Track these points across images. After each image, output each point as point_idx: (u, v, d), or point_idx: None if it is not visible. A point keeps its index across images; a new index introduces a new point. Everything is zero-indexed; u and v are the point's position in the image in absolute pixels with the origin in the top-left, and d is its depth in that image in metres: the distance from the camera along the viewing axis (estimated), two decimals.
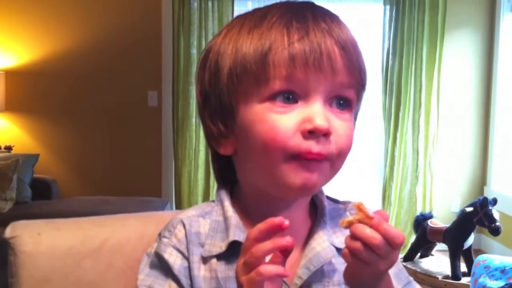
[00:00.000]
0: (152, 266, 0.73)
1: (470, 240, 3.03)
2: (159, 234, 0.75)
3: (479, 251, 3.87)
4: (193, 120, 3.94)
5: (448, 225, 3.12)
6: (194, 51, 3.91)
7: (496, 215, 2.93)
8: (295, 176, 0.66)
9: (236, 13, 3.89)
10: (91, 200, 3.57)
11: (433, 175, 3.97)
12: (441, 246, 3.30)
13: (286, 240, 0.58)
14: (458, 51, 4.10)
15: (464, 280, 2.98)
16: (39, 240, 0.81)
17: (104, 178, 4.10)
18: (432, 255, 3.41)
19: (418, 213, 3.62)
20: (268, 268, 0.58)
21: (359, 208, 0.62)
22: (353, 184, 3.95)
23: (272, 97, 0.66)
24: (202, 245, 0.72)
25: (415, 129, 3.95)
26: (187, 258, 0.71)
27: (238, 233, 0.71)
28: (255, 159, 0.69)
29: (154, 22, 4.03)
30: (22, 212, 3.21)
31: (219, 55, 0.70)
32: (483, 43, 4.10)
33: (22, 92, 4.05)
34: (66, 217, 0.90)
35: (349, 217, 0.63)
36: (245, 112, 0.68)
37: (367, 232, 0.60)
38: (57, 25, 4.03)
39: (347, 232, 0.63)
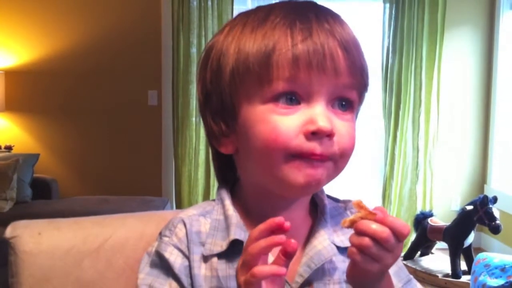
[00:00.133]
0: (153, 265, 0.73)
1: (470, 239, 3.03)
2: (160, 233, 0.75)
3: (479, 250, 3.87)
4: (193, 119, 3.94)
5: (448, 223, 3.12)
6: (193, 50, 3.90)
7: (496, 213, 2.93)
8: (298, 173, 0.66)
9: (235, 12, 3.88)
10: (91, 199, 3.57)
11: (433, 173, 3.96)
12: (441, 244, 3.30)
13: (280, 237, 0.58)
14: (458, 49, 4.09)
15: (464, 278, 2.98)
16: (40, 239, 0.81)
17: (104, 177, 4.10)
18: (432, 253, 3.41)
19: (418, 211, 3.62)
20: (262, 268, 0.58)
21: (360, 205, 0.62)
22: (353, 183, 3.95)
23: (275, 98, 0.66)
24: (202, 244, 0.72)
25: (415, 127, 3.94)
26: (187, 257, 0.71)
27: (239, 231, 0.71)
28: (256, 159, 0.69)
29: (154, 21, 4.03)
30: (22, 211, 3.22)
31: (221, 53, 0.70)
32: (483, 41, 4.10)
33: (22, 92, 4.05)
34: (66, 216, 0.90)
35: (350, 216, 0.63)
36: (247, 112, 0.68)
37: (374, 227, 0.60)
38: (56, 25, 4.03)
39: (347, 230, 0.63)
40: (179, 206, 3.93)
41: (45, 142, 4.08)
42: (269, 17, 0.68)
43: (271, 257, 0.62)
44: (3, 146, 3.91)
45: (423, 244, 3.29)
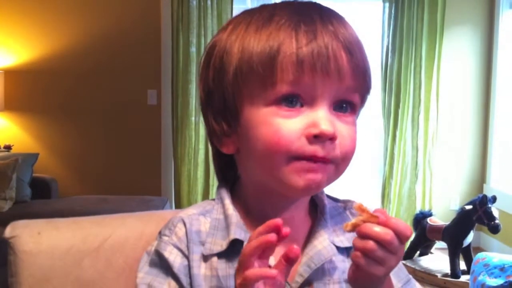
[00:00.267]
0: (152, 264, 0.73)
1: (470, 238, 3.03)
2: (160, 232, 0.75)
3: (479, 249, 3.87)
4: (193, 118, 3.94)
5: (447, 223, 3.12)
6: (193, 49, 3.90)
7: (495, 213, 2.93)
8: (299, 177, 0.66)
9: (235, 11, 3.88)
10: (90, 199, 3.57)
11: (432, 173, 3.97)
12: (440, 244, 3.30)
13: (271, 235, 0.57)
14: (458, 48, 4.09)
15: (463, 278, 2.98)
16: (39, 239, 0.81)
17: (104, 177, 4.10)
18: (431, 253, 3.41)
19: (417, 211, 3.62)
20: (252, 271, 0.58)
21: (361, 208, 0.62)
22: (353, 182, 3.95)
23: (278, 101, 0.66)
24: (202, 244, 0.72)
25: (415, 126, 3.95)
26: (187, 256, 0.71)
27: (239, 231, 0.71)
28: (257, 160, 0.69)
29: (153, 21, 4.02)
30: (21, 211, 3.21)
31: (224, 51, 0.69)
32: (483, 40, 4.10)
33: (22, 91, 4.05)
34: (66, 216, 0.90)
35: (351, 219, 0.63)
36: (250, 114, 0.68)
37: (378, 229, 0.60)
38: (56, 25, 4.03)
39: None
40: (179, 205, 3.93)
41: (45, 142, 4.08)
42: (274, 18, 0.67)
43: (273, 261, 0.62)
44: (2, 146, 3.90)
45: (422, 244, 3.29)
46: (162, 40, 4.03)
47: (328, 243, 0.72)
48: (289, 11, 0.68)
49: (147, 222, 0.88)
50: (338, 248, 0.73)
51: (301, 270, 0.71)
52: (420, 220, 3.26)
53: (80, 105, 4.08)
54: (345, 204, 0.79)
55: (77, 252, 0.82)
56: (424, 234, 3.20)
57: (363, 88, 0.70)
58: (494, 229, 2.91)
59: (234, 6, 3.90)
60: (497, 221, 2.91)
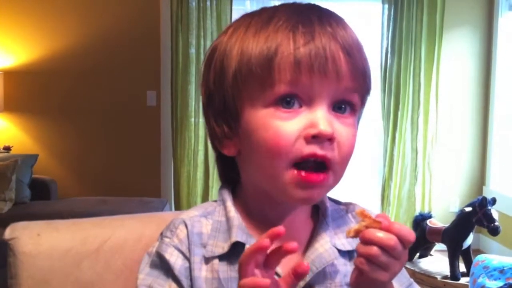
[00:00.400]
0: (153, 265, 0.72)
1: (469, 240, 3.03)
2: (161, 234, 0.75)
3: (478, 251, 3.87)
4: (192, 120, 3.94)
5: (447, 225, 3.12)
6: (192, 50, 3.90)
7: (495, 215, 2.93)
8: (297, 191, 0.67)
9: (234, 12, 3.89)
10: (90, 200, 3.57)
11: (432, 174, 3.97)
12: (440, 246, 3.30)
13: (265, 241, 0.57)
14: (457, 50, 4.10)
15: (463, 280, 2.98)
16: (39, 241, 0.81)
17: (103, 178, 4.10)
18: (431, 255, 3.41)
19: (417, 213, 3.62)
20: (246, 280, 0.58)
21: (363, 214, 0.62)
22: (352, 184, 3.95)
23: (276, 102, 0.66)
24: (204, 246, 0.72)
25: (414, 128, 3.95)
26: (188, 258, 0.71)
27: (241, 234, 0.71)
28: (258, 163, 0.69)
29: (153, 22, 4.02)
30: (21, 212, 3.21)
31: (224, 54, 0.70)
32: (482, 41, 4.10)
33: (21, 92, 4.04)
34: (65, 217, 0.90)
35: (353, 221, 0.62)
36: (250, 116, 0.68)
37: (381, 235, 0.60)
38: (55, 25, 4.03)
39: None
40: (178, 207, 3.92)
41: (44, 143, 4.08)
42: (273, 20, 0.68)
43: (280, 270, 0.62)
44: (1, 147, 3.90)
45: (422, 246, 3.29)
46: (162, 41, 4.03)
47: (329, 246, 0.72)
48: (287, 13, 0.68)
49: (146, 224, 0.88)
50: (340, 251, 0.73)
51: None
52: (419, 222, 3.27)
53: (80, 106, 4.08)
54: (347, 207, 0.79)
55: (76, 254, 0.82)
56: (424, 236, 3.20)
57: (363, 89, 0.70)
58: (494, 231, 2.92)
59: (233, 7, 3.90)
60: (496, 223, 2.92)
